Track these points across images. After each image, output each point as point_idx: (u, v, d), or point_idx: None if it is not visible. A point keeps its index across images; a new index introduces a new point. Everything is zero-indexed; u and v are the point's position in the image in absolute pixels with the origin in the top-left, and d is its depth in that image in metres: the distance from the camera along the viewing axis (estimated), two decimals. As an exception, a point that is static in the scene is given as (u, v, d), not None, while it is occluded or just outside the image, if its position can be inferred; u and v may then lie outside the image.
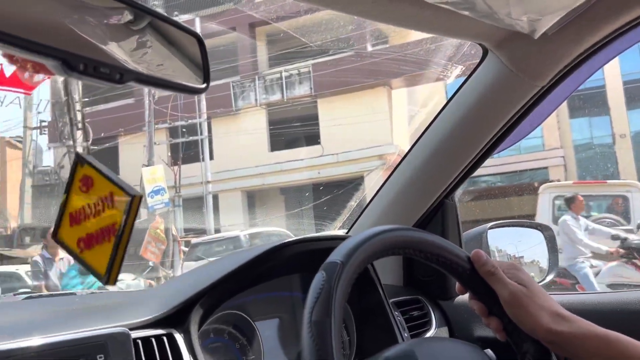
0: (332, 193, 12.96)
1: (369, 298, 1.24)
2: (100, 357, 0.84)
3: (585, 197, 7.07)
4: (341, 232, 1.68)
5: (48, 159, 17.75)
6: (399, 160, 1.38)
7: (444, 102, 1.31)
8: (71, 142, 14.29)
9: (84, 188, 0.70)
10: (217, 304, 1.07)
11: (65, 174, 14.68)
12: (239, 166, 15.60)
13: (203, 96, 14.35)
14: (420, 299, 1.41)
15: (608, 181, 11.87)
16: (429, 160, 1.30)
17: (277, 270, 1.20)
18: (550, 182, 11.93)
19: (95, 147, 14.69)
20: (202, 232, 13.75)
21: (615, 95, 14.68)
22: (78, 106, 14.13)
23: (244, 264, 1.09)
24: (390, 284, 1.42)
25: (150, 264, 9.75)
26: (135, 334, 0.92)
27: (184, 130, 14.60)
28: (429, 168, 1.31)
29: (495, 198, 13.90)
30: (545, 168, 15.55)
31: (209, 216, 14.31)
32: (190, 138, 14.50)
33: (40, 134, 16.32)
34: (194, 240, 12.29)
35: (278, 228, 12.27)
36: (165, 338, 0.97)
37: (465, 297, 1.45)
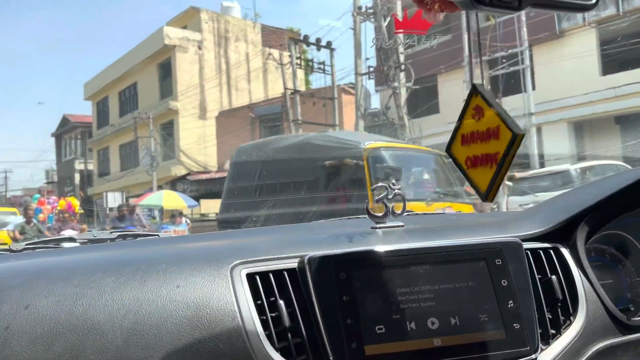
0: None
1: None
2: (498, 262, 0.95)
3: None
4: None
5: (375, 102, 19.46)
6: None
7: None
8: (396, 84, 15.28)
9: (476, 116, 0.81)
10: (602, 223, 1.07)
11: (392, 114, 15.90)
12: (564, 95, 14.39)
13: (524, 23, 13.57)
14: None
15: None
16: None
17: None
18: None
19: (417, 87, 15.44)
20: (526, 166, 13.31)
21: None
22: (400, 49, 14.98)
23: (629, 184, 1.05)
24: None
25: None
26: (525, 245, 0.99)
27: (503, 61, 14.12)
28: None
29: None
30: None
31: (533, 150, 13.72)
32: (511, 69, 13.96)
33: (369, 79, 17.87)
34: (518, 175, 12.00)
35: (614, 161, 11.01)
36: (552, 251, 1.02)
37: None
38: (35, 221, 9.24)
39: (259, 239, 1.16)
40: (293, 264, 0.91)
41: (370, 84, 25.17)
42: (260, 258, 0.91)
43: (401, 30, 1.03)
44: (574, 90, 14.19)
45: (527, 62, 13.99)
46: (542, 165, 13.46)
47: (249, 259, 0.90)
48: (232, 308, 0.83)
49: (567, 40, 15.08)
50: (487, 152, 0.77)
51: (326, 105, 18.70)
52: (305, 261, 0.89)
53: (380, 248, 0.93)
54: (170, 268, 0.88)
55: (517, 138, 0.73)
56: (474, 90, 0.80)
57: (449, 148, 0.85)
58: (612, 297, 1.08)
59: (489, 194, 0.77)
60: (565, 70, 14.50)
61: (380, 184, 1.11)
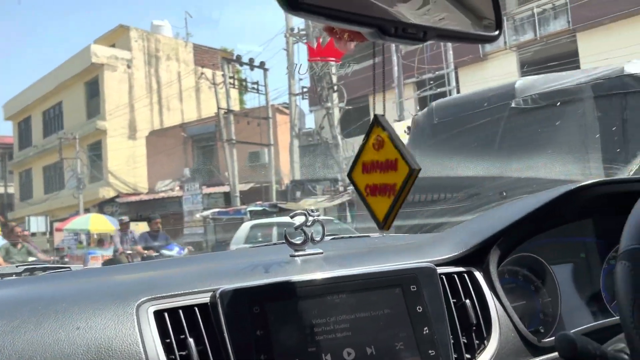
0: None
1: None
2: (413, 288, 0.95)
3: None
4: None
5: (310, 122, 19.60)
6: None
7: None
8: (329, 104, 15.47)
9: (376, 146, 0.82)
10: (514, 246, 1.10)
11: (326, 134, 16.05)
12: (489, 115, 15.02)
13: (450, 46, 14.12)
14: None
15: None
16: None
17: (572, 214, 1.16)
18: None
19: (349, 107, 15.68)
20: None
21: None
22: (333, 70, 15.21)
23: (540, 206, 1.09)
24: None
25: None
26: (439, 270, 1.00)
27: (431, 82, 14.62)
28: None
29: None
30: None
31: (461, 167, 14.20)
32: (438, 90, 14.46)
33: (302, 99, 18.02)
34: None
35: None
36: (466, 275, 1.04)
37: None
38: (21, 242, 7.22)
39: (172, 271, 1.11)
40: (205, 298, 0.87)
41: (304, 104, 25.40)
42: (170, 294, 0.87)
43: (315, 58, 1.04)
44: (498, 110, 14.82)
45: (454, 83, 14.55)
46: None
47: (158, 295, 0.86)
48: (137, 349, 0.79)
49: (490, 63, 15.81)
50: (386, 182, 0.78)
51: (261, 125, 18.65)
52: (217, 295, 0.85)
53: (296, 278, 0.91)
54: (71, 308, 0.82)
55: (413, 173, 0.75)
56: (376, 121, 0.81)
57: (350, 173, 0.86)
58: (526, 318, 1.11)
59: (385, 223, 0.78)
60: (490, 90, 15.17)
61: (298, 210, 1.09)
